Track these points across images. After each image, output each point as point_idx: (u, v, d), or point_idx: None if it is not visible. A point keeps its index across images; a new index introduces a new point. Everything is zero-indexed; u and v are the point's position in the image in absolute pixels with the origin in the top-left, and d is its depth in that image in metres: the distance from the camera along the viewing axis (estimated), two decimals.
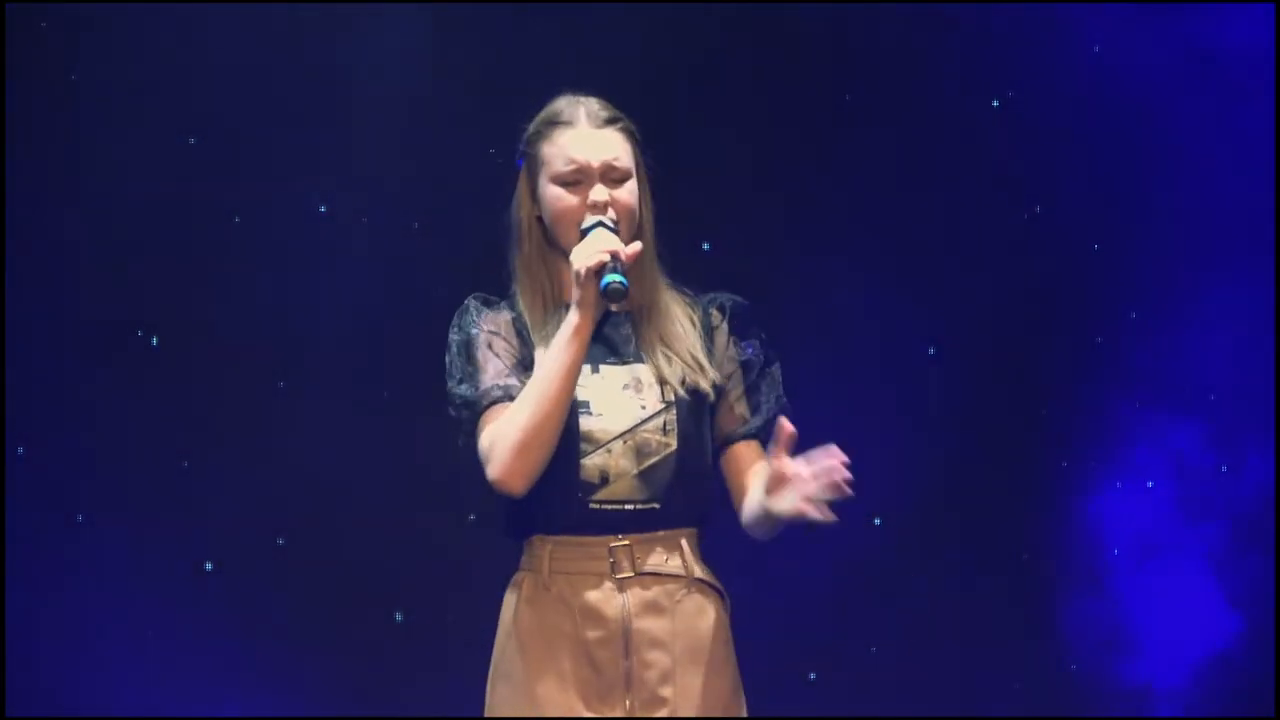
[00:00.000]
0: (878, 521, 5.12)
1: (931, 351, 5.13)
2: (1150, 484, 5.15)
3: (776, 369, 3.56)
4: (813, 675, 5.09)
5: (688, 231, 5.02)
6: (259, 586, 4.98)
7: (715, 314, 3.54)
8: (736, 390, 3.51)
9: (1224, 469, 5.13)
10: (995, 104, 5.14)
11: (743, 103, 5.06)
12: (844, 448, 5.03)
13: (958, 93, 5.11)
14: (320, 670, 4.98)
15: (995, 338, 5.12)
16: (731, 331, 3.52)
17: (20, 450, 4.95)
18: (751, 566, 4.83)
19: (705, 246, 5.06)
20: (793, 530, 5.04)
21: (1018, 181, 5.13)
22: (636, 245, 3.38)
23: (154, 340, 4.99)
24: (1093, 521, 5.14)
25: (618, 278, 3.30)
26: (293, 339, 4.98)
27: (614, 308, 3.38)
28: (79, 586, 4.94)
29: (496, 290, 3.49)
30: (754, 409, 3.52)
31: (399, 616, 5.01)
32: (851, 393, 5.08)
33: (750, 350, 3.52)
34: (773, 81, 5.07)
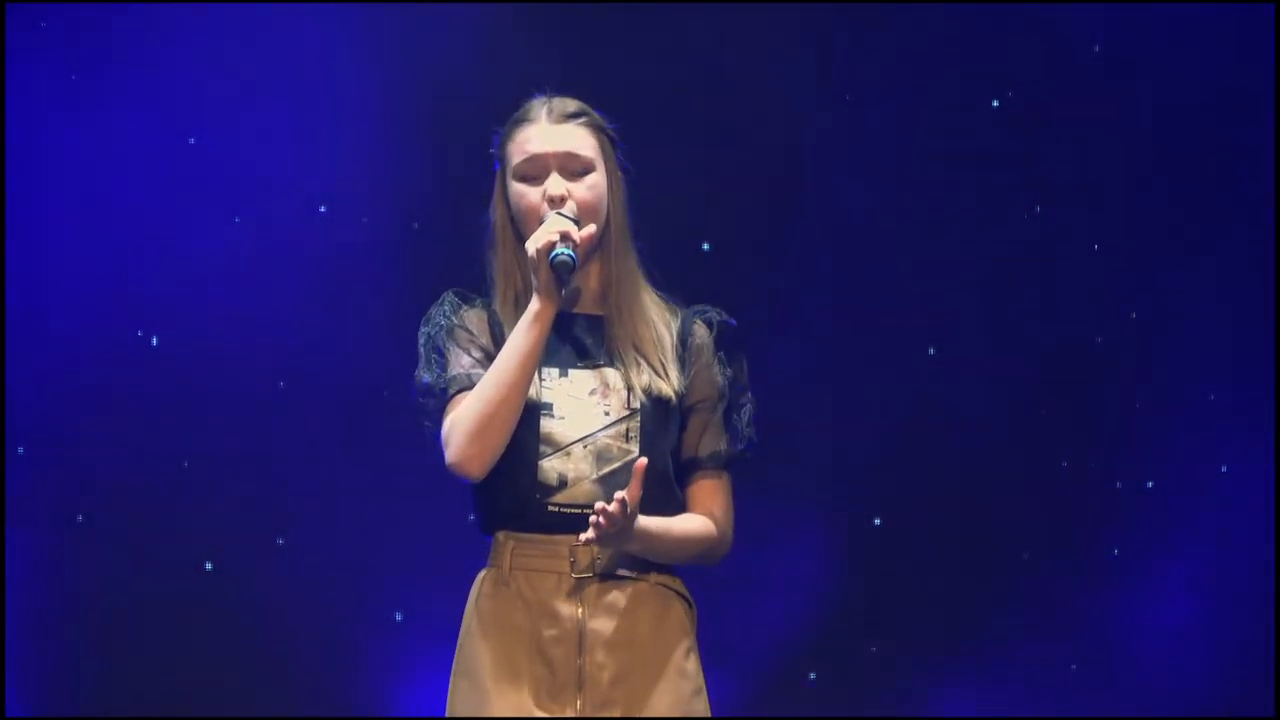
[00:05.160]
0: (878, 521, 5.12)
1: (931, 351, 5.13)
2: (1150, 484, 5.15)
3: (751, 403, 3.52)
4: (813, 675, 5.10)
5: (688, 231, 5.02)
6: (259, 586, 4.98)
7: (701, 327, 3.51)
8: (710, 415, 3.48)
9: (1224, 469, 5.13)
10: (995, 104, 5.14)
11: (744, 102, 5.06)
12: (845, 447, 5.07)
13: (958, 93, 5.11)
14: (320, 670, 4.98)
15: (995, 338, 5.12)
16: (718, 351, 3.50)
17: (20, 450, 4.95)
18: (752, 567, 4.85)
19: (705, 246, 5.06)
20: (794, 531, 5.05)
21: (1018, 181, 5.13)
22: (590, 228, 3.37)
23: (154, 340, 5.00)
24: (1092, 521, 5.14)
25: (566, 251, 3.30)
26: (293, 339, 4.98)
27: (584, 308, 3.39)
28: (79, 586, 4.94)
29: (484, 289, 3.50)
30: (726, 438, 3.49)
31: (399, 616, 5.01)
32: (851, 392, 5.08)
33: (732, 376, 3.50)
34: (773, 81, 5.07)
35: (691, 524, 3.42)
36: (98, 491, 4.95)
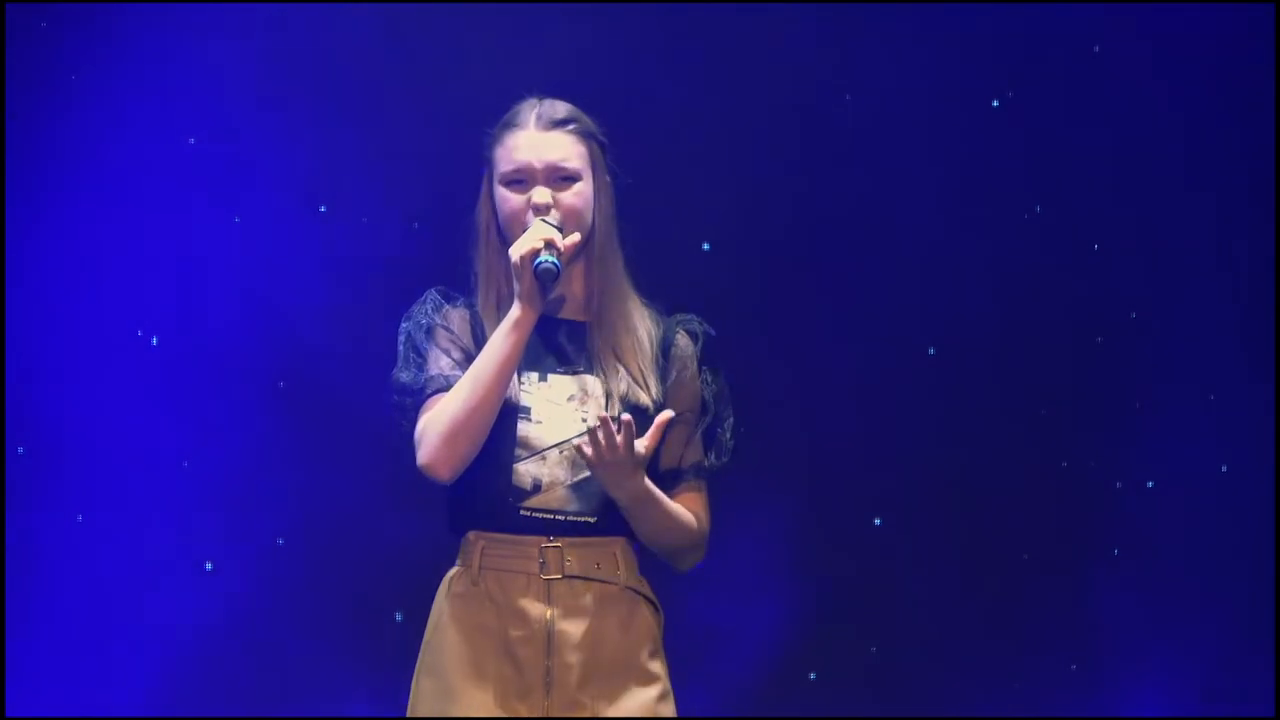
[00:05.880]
0: (878, 521, 5.12)
1: (931, 351, 5.13)
2: (1150, 484, 5.15)
3: (731, 415, 3.53)
4: (813, 675, 5.10)
5: (688, 231, 5.02)
6: (259, 586, 4.98)
7: (684, 338, 3.51)
8: (692, 428, 3.48)
9: (1224, 469, 5.13)
10: (995, 104, 5.14)
11: (744, 102, 5.05)
12: (844, 448, 5.07)
13: (958, 93, 5.10)
14: (320, 670, 4.98)
15: (995, 338, 5.12)
16: (701, 364, 3.51)
17: (20, 450, 4.95)
18: (752, 566, 4.84)
19: (705, 246, 5.06)
20: (794, 531, 5.05)
21: (1018, 181, 5.12)
22: (575, 236, 3.38)
23: (154, 340, 4.99)
24: (1092, 521, 5.14)
25: (550, 259, 3.31)
26: (292, 339, 4.97)
27: (568, 314, 3.40)
28: (79, 586, 4.94)
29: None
30: (707, 451, 3.49)
31: (399, 616, 5.01)
32: (851, 393, 5.08)
33: (714, 390, 3.51)
34: (773, 81, 5.07)
35: (682, 511, 3.43)
36: (98, 491, 4.94)
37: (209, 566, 4.99)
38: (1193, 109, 5.10)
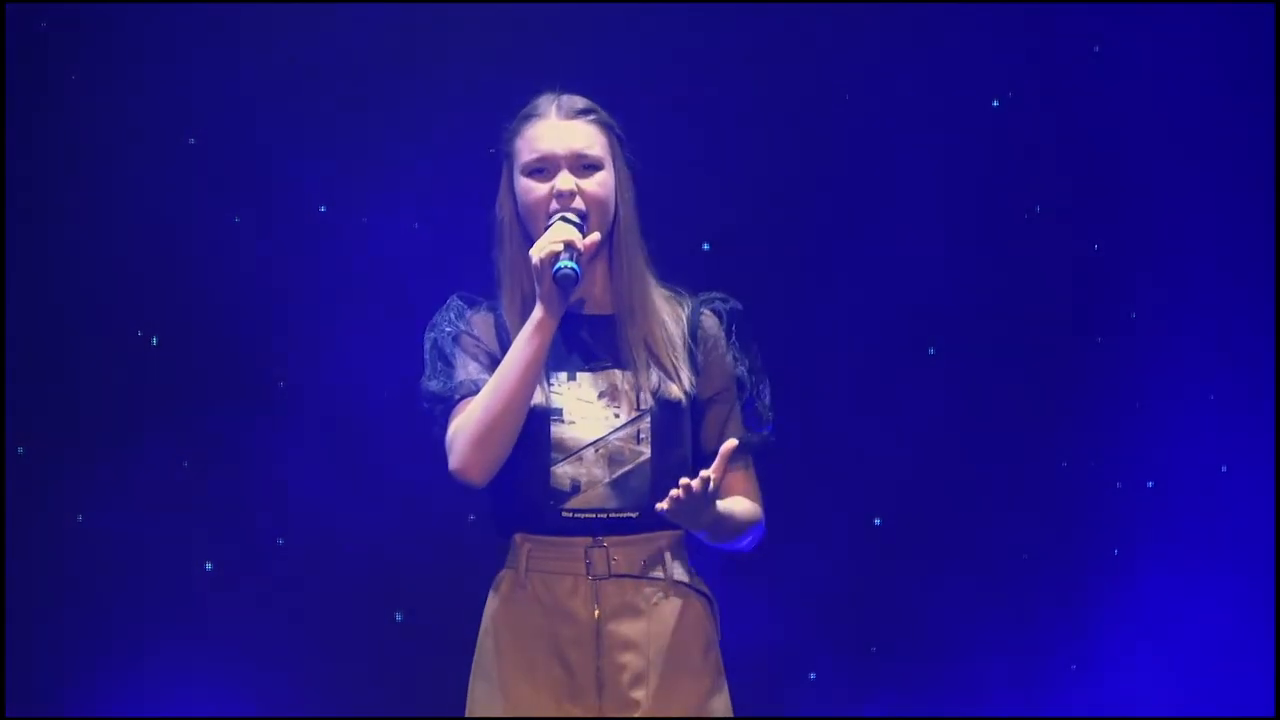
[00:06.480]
0: (878, 521, 5.12)
1: (931, 351, 5.13)
2: (1150, 484, 5.14)
3: (768, 386, 3.53)
4: (813, 675, 5.09)
5: (688, 231, 5.02)
6: (259, 586, 4.98)
7: (709, 318, 3.50)
8: (729, 406, 3.48)
9: (1224, 469, 5.13)
10: (995, 104, 5.14)
11: (743, 102, 5.06)
12: (844, 447, 5.07)
13: (958, 93, 5.10)
14: (320, 670, 4.98)
15: (995, 338, 5.12)
16: (730, 341, 3.50)
17: (20, 450, 4.95)
18: (752, 567, 4.85)
19: (705, 246, 5.06)
20: (794, 531, 5.05)
21: (1017, 181, 5.12)
22: (595, 235, 3.37)
23: (154, 340, 4.99)
24: (1092, 521, 5.14)
25: (569, 264, 3.29)
26: (292, 339, 4.97)
27: (591, 309, 3.39)
28: (79, 586, 4.94)
29: (488, 289, 3.50)
30: (748, 427, 3.49)
31: (399, 616, 5.01)
32: (852, 393, 5.08)
33: (747, 364, 3.50)
34: (773, 81, 5.07)
35: (746, 508, 3.43)
36: (98, 491, 4.94)
37: (209, 566, 4.99)
38: (1193, 109, 5.10)
